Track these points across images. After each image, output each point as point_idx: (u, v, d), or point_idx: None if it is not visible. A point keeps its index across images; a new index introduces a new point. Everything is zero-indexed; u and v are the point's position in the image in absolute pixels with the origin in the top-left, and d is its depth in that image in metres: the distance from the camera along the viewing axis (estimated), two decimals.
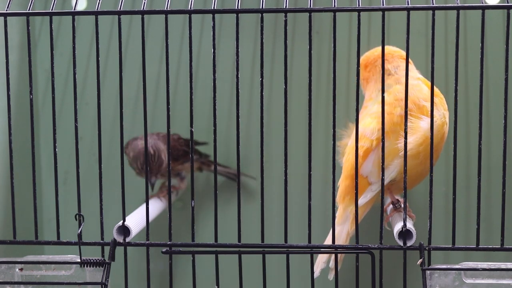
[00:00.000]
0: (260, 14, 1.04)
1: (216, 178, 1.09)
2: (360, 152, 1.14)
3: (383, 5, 1.03)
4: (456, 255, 1.35)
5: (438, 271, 1.05)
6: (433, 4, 1.03)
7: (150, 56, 1.37)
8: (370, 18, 1.42)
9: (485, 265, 1.04)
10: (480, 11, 1.02)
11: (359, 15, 1.03)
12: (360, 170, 1.16)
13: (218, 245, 1.10)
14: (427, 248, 1.07)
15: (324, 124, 1.43)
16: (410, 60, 1.11)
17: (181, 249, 1.11)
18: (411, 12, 1.03)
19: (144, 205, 1.13)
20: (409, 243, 1.07)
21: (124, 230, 1.11)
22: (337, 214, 1.18)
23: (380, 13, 1.03)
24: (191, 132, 1.08)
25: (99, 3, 1.07)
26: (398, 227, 1.08)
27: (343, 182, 1.20)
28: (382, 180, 1.06)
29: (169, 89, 1.07)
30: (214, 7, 1.05)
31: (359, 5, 1.04)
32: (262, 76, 1.06)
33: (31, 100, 1.09)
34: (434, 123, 1.08)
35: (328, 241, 1.15)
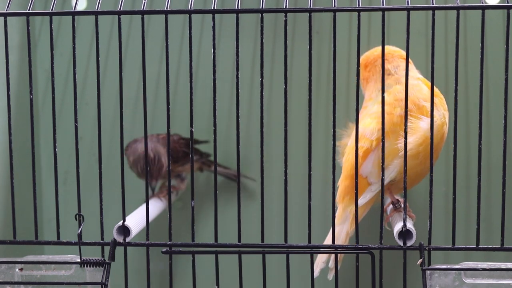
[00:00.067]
0: (260, 14, 1.04)
1: (216, 178, 1.09)
2: (360, 152, 1.14)
3: (383, 5, 1.03)
4: (456, 255, 1.34)
5: (438, 271, 1.05)
6: (433, 4, 1.03)
7: (150, 56, 1.37)
8: (370, 18, 1.41)
9: (485, 265, 1.04)
10: (480, 11, 1.02)
11: (359, 15, 1.03)
12: (360, 170, 1.15)
13: (218, 245, 1.10)
14: (427, 248, 1.07)
15: (324, 124, 1.43)
16: (410, 60, 1.11)
17: (181, 249, 1.11)
18: (411, 12, 1.03)
19: (144, 205, 1.13)
20: (409, 243, 1.07)
21: (124, 230, 1.11)
22: (337, 214, 1.17)
23: (380, 13, 1.03)
24: (191, 132, 1.08)
25: (99, 3, 1.07)
26: (398, 227, 1.08)
27: (343, 182, 1.20)
28: (382, 180, 1.06)
29: (169, 89, 1.07)
30: (214, 7, 1.05)
31: (359, 5, 1.04)
32: (262, 76, 1.06)
33: (31, 100, 1.09)
34: (434, 123, 1.08)
35: (328, 241, 1.15)
